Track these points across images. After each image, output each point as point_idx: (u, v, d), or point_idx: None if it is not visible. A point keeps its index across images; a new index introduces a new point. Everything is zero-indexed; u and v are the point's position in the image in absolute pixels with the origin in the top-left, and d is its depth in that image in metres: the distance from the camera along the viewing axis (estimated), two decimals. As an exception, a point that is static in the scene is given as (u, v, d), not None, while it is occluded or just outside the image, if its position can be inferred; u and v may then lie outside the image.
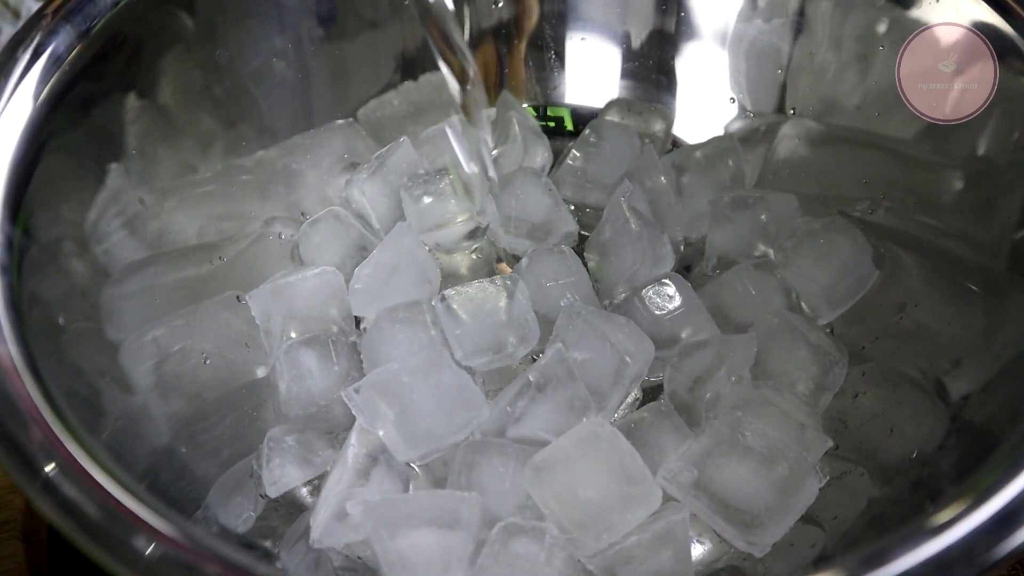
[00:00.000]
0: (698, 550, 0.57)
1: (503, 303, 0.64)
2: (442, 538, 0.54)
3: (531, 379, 0.59)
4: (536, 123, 0.80)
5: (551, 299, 0.65)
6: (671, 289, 0.65)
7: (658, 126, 0.79)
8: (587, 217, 0.74)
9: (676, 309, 0.64)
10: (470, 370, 0.63)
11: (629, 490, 0.56)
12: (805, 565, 0.54)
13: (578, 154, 0.76)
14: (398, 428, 0.58)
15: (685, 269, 0.70)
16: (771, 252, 0.70)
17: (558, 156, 0.78)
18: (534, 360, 0.63)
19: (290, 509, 0.60)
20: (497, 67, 0.82)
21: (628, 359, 0.61)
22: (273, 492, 0.59)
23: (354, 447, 0.58)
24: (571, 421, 0.59)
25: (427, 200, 0.72)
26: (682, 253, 0.72)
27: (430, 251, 0.70)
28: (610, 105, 0.80)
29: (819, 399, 0.62)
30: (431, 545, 0.54)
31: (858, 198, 0.70)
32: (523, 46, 0.82)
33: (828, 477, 0.57)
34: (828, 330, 0.66)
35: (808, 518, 0.56)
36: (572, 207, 0.75)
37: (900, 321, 0.65)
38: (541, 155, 0.77)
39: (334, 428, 0.62)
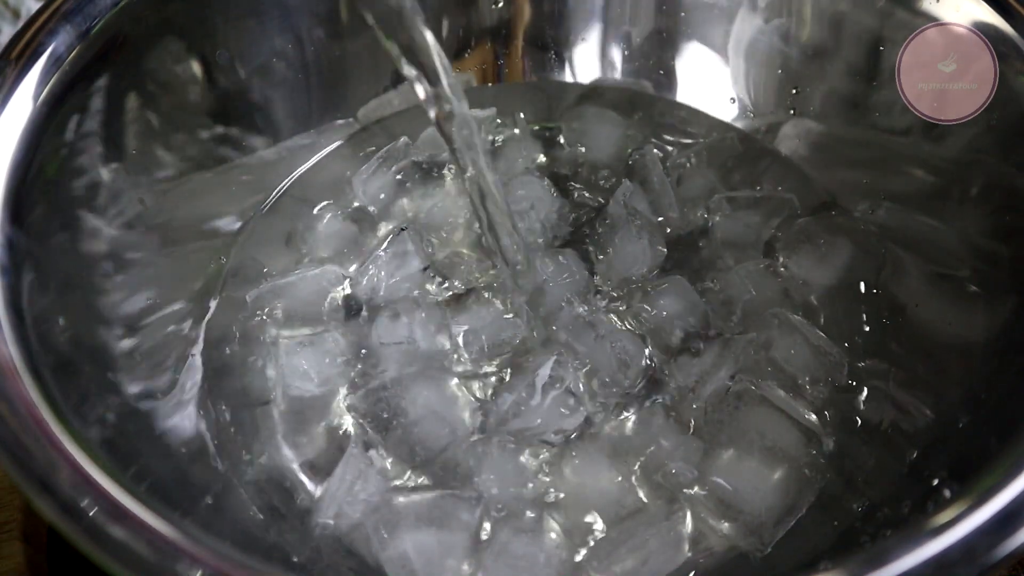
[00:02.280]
0: (698, 549, 0.56)
1: (505, 305, 0.65)
2: (442, 538, 0.54)
3: (533, 377, 0.60)
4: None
5: (552, 298, 0.65)
6: (671, 290, 0.65)
7: None
8: (585, 214, 0.74)
9: (677, 311, 0.64)
10: (472, 369, 0.64)
11: (628, 491, 0.57)
12: (805, 564, 0.54)
13: (566, 140, 0.78)
14: (398, 433, 0.59)
15: (685, 263, 0.70)
16: (772, 251, 0.70)
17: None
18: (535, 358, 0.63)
19: (293, 506, 0.60)
20: (496, 67, 0.82)
21: (627, 359, 0.61)
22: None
23: (355, 448, 0.58)
24: (571, 419, 0.59)
25: (429, 201, 0.73)
26: (682, 247, 0.71)
27: (430, 250, 0.70)
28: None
29: (820, 399, 0.62)
30: (431, 545, 0.54)
31: (858, 198, 0.70)
32: (523, 46, 0.82)
33: (828, 476, 0.57)
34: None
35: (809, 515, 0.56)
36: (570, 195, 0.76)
37: (901, 321, 0.65)
38: (538, 152, 0.77)
39: (333, 426, 0.62)
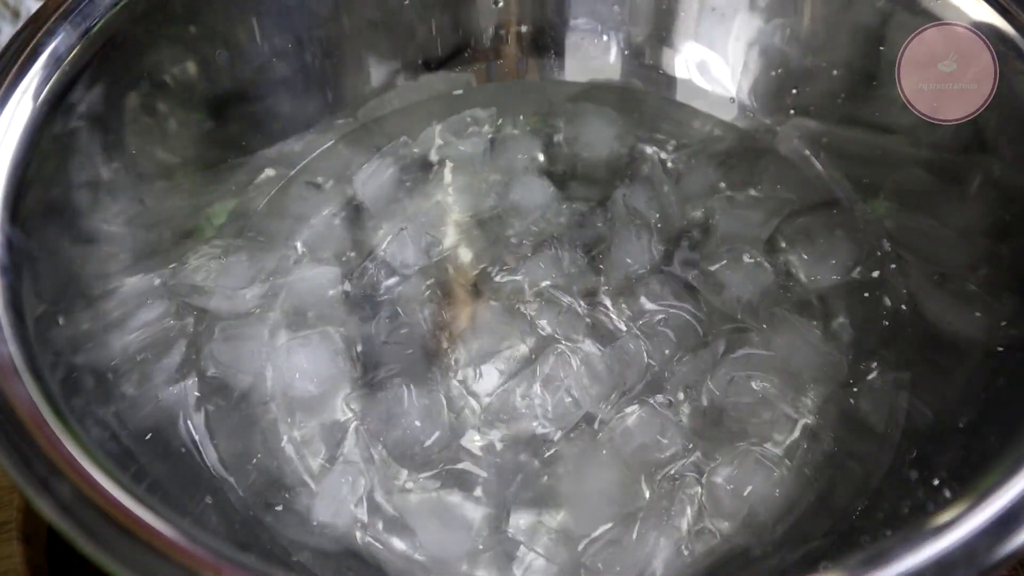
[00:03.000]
0: (698, 547, 0.56)
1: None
2: (442, 537, 0.55)
3: (532, 375, 0.60)
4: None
5: (552, 296, 0.66)
6: (661, 290, 0.66)
7: None
8: (584, 213, 0.74)
9: (673, 313, 0.65)
10: (472, 367, 0.64)
11: (627, 490, 0.57)
12: (805, 563, 0.54)
13: (565, 138, 0.78)
14: (397, 433, 0.59)
15: (684, 262, 0.70)
16: (772, 249, 0.70)
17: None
18: (535, 356, 0.63)
19: (293, 506, 0.60)
20: (496, 65, 0.82)
21: (627, 358, 0.61)
22: None
23: (355, 448, 0.58)
24: (569, 417, 0.60)
25: (429, 200, 0.73)
26: (682, 246, 0.71)
27: (433, 248, 0.71)
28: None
29: (819, 397, 0.62)
30: (431, 545, 0.55)
31: (858, 197, 0.70)
32: (523, 45, 0.82)
33: (828, 476, 0.57)
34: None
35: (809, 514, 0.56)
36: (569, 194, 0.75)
37: (901, 320, 0.65)
38: (537, 151, 0.78)
39: (332, 426, 0.62)
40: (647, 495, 0.58)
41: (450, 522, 0.55)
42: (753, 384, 0.60)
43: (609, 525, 0.56)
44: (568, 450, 0.59)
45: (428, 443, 0.59)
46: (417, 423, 0.59)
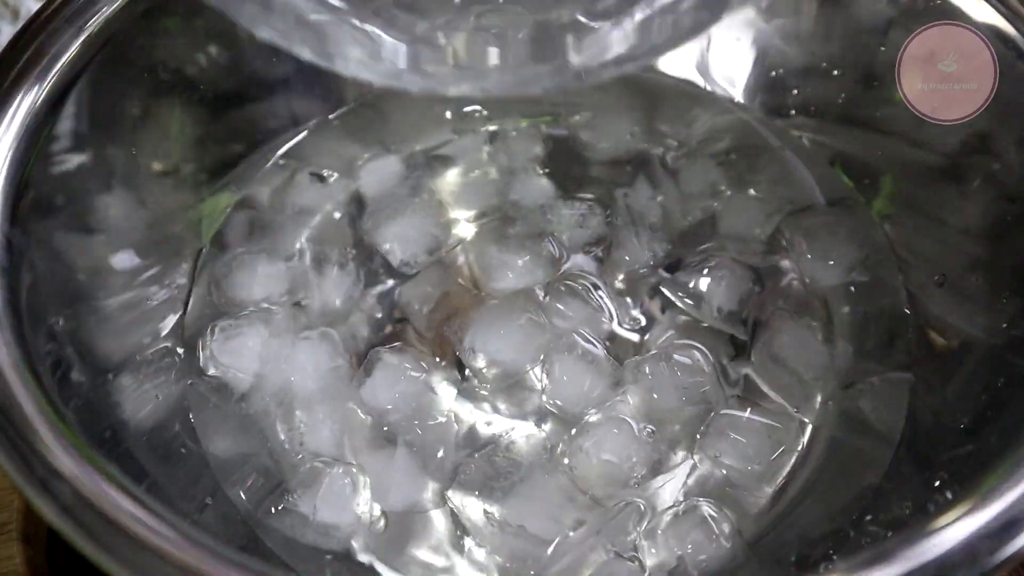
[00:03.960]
0: (653, 561, 0.56)
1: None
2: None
3: (538, 363, 0.62)
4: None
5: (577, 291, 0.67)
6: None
7: None
8: (585, 210, 0.74)
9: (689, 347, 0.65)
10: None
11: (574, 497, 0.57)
12: (805, 564, 0.54)
13: (566, 135, 0.78)
14: (396, 416, 0.60)
15: (685, 260, 0.70)
16: (773, 248, 0.70)
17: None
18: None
19: (293, 507, 0.60)
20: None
21: (643, 380, 0.61)
22: None
23: (356, 448, 0.58)
24: (555, 410, 0.61)
25: (427, 198, 0.73)
26: (683, 243, 0.71)
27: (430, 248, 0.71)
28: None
29: (820, 397, 0.62)
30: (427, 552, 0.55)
31: (859, 196, 0.70)
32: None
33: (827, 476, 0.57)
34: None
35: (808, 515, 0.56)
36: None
37: (902, 320, 0.65)
38: (538, 148, 0.78)
39: (334, 425, 0.62)
40: (595, 509, 0.57)
41: (399, 475, 0.57)
42: (735, 455, 0.59)
43: (547, 526, 0.56)
44: (533, 445, 0.60)
45: (429, 450, 0.59)
46: (414, 403, 0.60)
